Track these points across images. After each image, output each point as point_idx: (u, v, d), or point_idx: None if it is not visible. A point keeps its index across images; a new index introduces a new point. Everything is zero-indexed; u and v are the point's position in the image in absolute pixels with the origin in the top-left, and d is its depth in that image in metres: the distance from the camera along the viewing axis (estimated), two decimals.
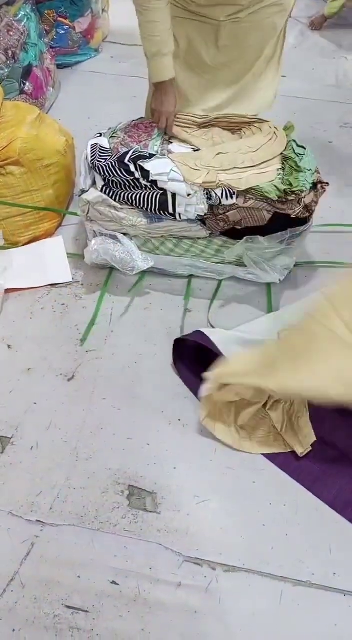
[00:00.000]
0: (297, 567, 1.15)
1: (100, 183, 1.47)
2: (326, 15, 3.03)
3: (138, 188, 1.44)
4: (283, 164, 1.47)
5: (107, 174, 1.43)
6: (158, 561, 1.15)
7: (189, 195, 1.41)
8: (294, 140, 1.52)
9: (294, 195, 1.40)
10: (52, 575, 1.13)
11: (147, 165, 1.42)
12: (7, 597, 1.10)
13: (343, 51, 2.91)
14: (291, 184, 1.40)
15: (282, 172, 1.45)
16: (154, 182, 1.42)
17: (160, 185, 1.42)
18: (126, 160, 1.43)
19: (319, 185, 1.46)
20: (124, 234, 1.56)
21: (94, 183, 1.50)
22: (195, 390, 1.39)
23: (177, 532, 1.18)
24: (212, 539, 1.18)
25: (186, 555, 1.15)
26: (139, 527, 1.19)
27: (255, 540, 1.18)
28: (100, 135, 1.56)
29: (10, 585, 1.11)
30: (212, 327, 1.55)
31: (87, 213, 1.54)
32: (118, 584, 1.12)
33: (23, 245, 1.76)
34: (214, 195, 1.41)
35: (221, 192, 1.41)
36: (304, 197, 1.42)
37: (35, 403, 1.40)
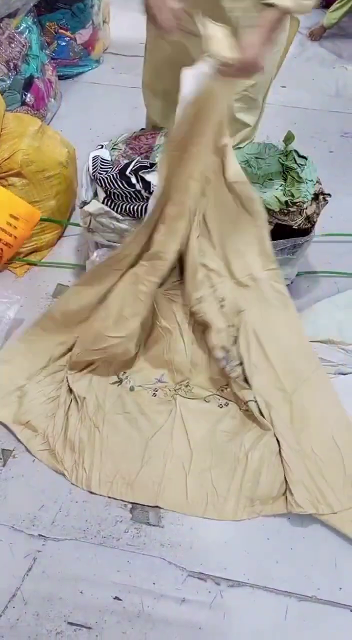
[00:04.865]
0: (302, 582, 1.13)
1: (101, 195, 1.47)
2: (325, 26, 3.04)
3: (140, 200, 1.43)
4: (285, 174, 1.47)
5: (108, 186, 1.43)
6: (161, 576, 1.14)
7: None
8: (295, 151, 1.52)
9: (295, 207, 1.40)
10: (54, 590, 1.12)
11: (148, 176, 1.42)
12: (9, 614, 1.09)
13: (343, 61, 2.92)
14: (292, 195, 1.40)
15: (284, 183, 1.45)
16: None
17: None
18: (127, 172, 1.43)
19: (320, 196, 1.46)
20: None
21: (95, 195, 1.50)
22: None
23: (181, 547, 1.17)
24: (216, 553, 1.17)
25: (189, 569, 1.14)
26: (141, 541, 1.18)
27: (259, 554, 1.17)
28: (102, 147, 1.56)
29: (12, 601, 1.10)
30: None
31: (89, 224, 1.54)
32: (121, 600, 1.11)
33: (25, 256, 1.76)
34: None
35: None
36: (306, 208, 1.42)
37: None
